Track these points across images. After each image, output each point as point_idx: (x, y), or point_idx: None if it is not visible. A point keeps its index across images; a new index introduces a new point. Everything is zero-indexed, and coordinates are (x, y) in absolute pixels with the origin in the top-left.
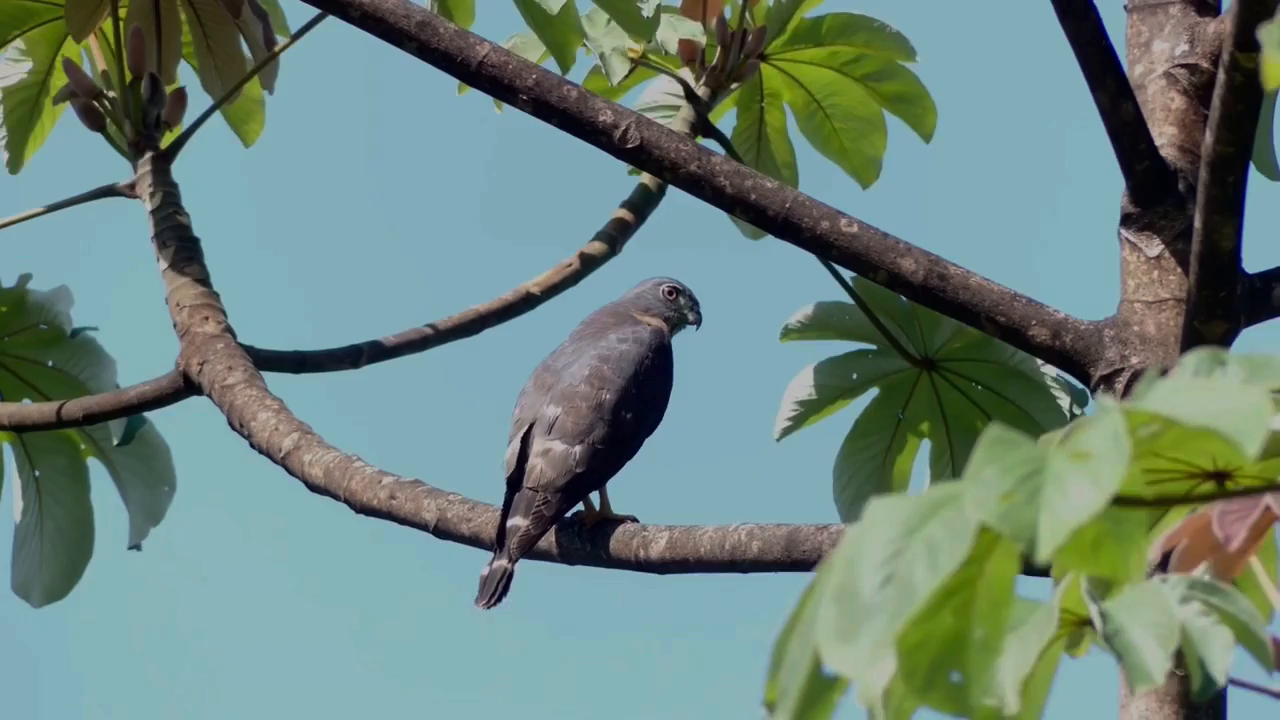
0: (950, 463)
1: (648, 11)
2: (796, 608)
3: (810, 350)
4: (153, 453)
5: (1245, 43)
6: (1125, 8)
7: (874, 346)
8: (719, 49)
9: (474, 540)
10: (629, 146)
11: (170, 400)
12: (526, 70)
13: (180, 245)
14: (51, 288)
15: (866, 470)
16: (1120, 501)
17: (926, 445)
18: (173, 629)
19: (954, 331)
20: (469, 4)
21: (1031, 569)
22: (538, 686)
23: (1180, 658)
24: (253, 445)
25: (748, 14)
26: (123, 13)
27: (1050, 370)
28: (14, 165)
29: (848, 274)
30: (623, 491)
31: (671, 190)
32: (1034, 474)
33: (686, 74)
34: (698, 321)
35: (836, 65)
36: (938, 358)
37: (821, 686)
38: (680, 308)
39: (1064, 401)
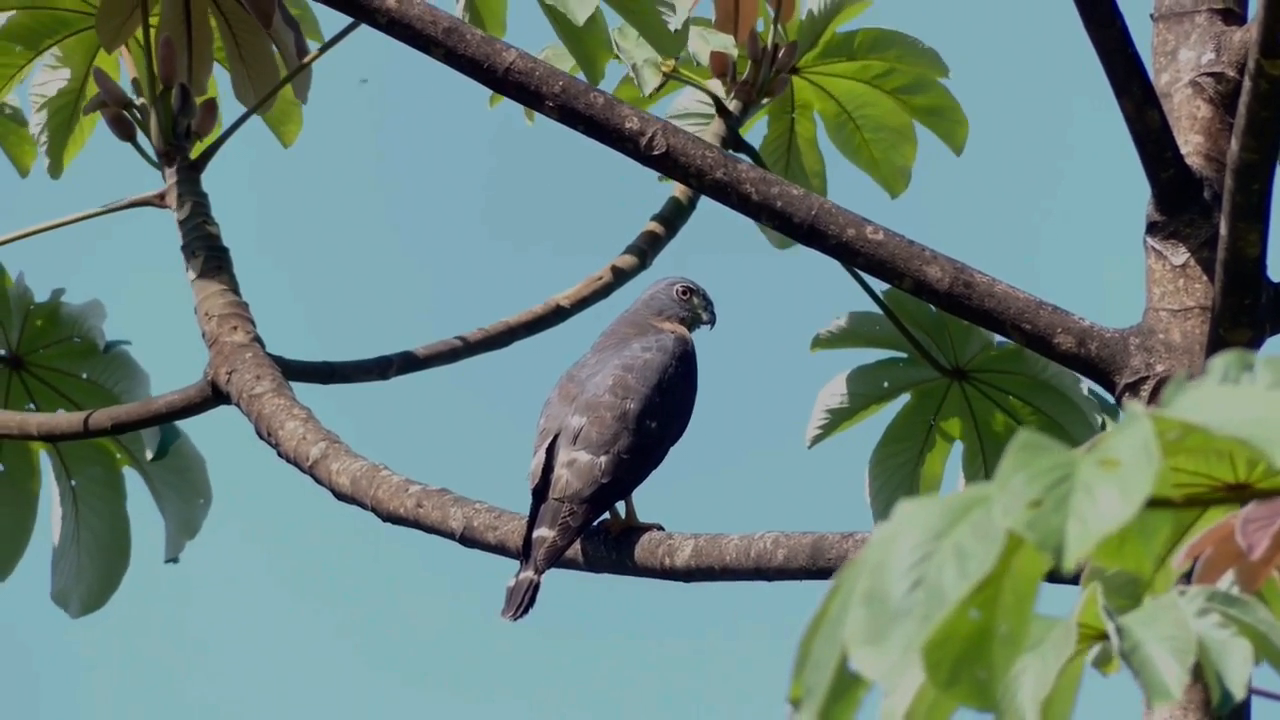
0: (983, 466)
1: (675, 24)
2: (822, 606)
3: (841, 359)
4: (188, 465)
5: (1271, 50)
6: (1151, 16)
7: (905, 355)
8: (750, 63)
9: (500, 548)
10: (655, 153)
11: (199, 409)
12: (553, 77)
13: (209, 255)
14: (85, 301)
15: (899, 475)
16: (1148, 503)
17: (958, 450)
18: (200, 636)
19: (984, 344)
20: (500, 16)
21: (1056, 576)
22: (562, 693)
23: (1200, 669)
24: (280, 454)
25: (779, 28)
26: (154, 22)
27: (1083, 385)
28: (55, 170)
29: (878, 285)
30: (649, 499)
31: (702, 201)
32: (1062, 481)
33: (718, 87)
34: (711, 321)
35: (868, 78)
36: (968, 369)
37: (847, 683)
38: (694, 307)
39: (1096, 416)
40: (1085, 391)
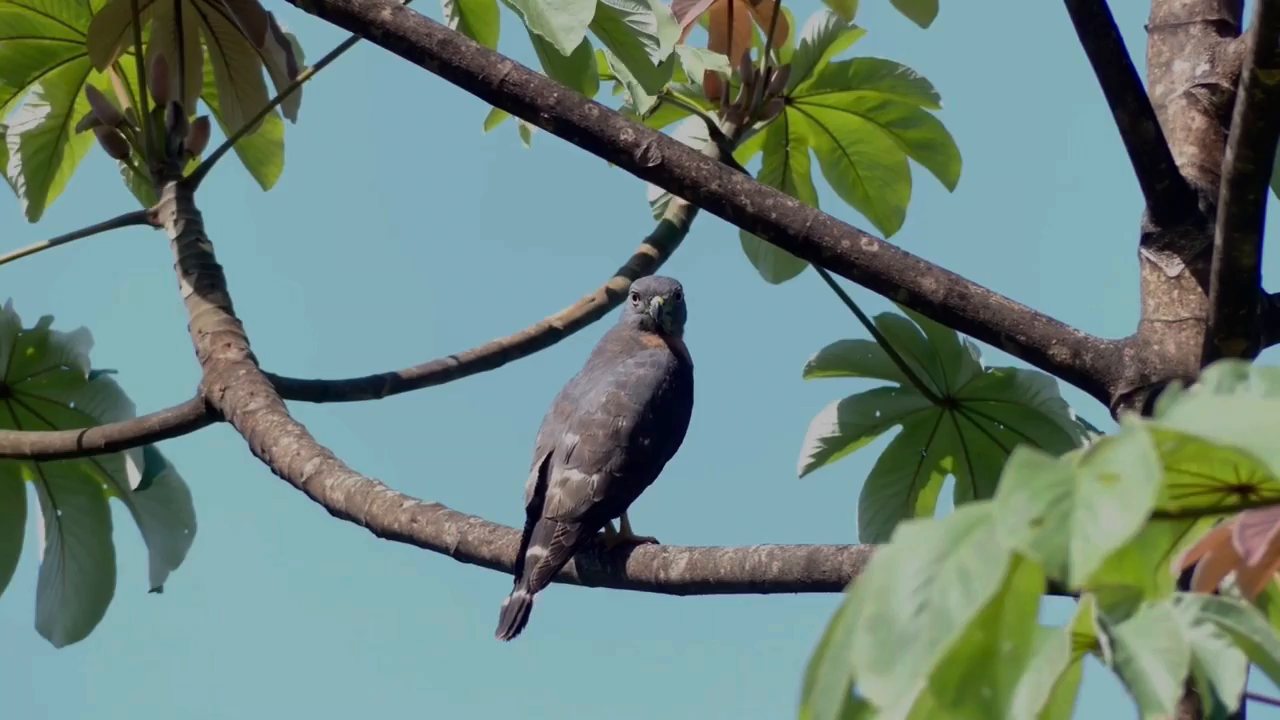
0: (974, 500)
1: (658, 58)
2: (826, 631)
3: (833, 387)
4: (172, 495)
5: (1267, 59)
6: (1146, 28)
7: (897, 384)
8: (743, 87)
9: (495, 563)
10: (650, 165)
11: (192, 427)
12: (548, 89)
13: (203, 273)
14: (72, 329)
15: (891, 507)
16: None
17: (950, 482)
18: (194, 656)
19: (975, 372)
20: (491, 43)
21: (1056, 589)
22: (558, 705)
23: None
24: (274, 470)
25: (772, 53)
26: (144, 41)
27: (1071, 411)
28: (34, 213)
29: (870, 311)
30: (643, 513)
31: (696, 226)
32: (1063, 498)
33: (712, 115)
34: (651, 326)
35: (862, 111)
36: (960, 397)
37: (856, 709)
38: (640, 311)
39: (1084, 442)
40: (1073, 418)
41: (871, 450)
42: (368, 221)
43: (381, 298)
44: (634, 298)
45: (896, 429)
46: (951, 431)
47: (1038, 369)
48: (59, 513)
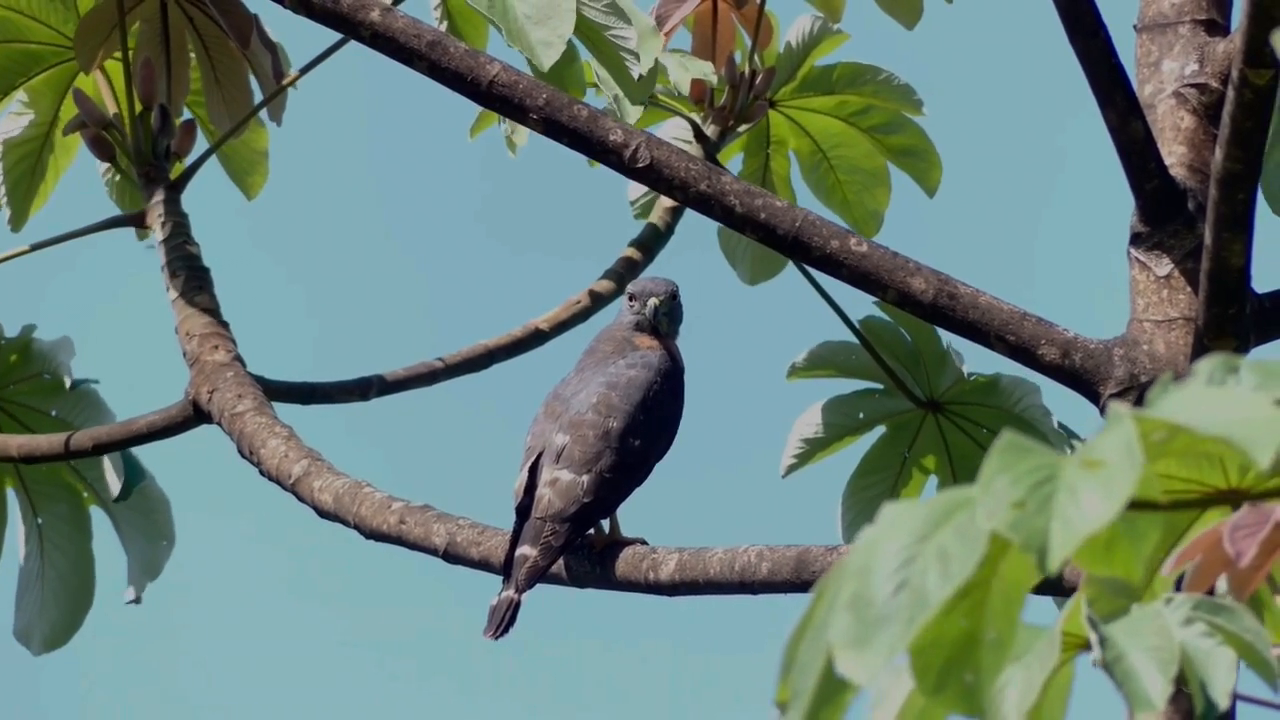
0: None
1: (638, 71)
2: (808, 610)
3: (817, 388)
4: (153, 506)
5: (1256, 59)
6: (1135, 27)
7: (880, 386)
8: (727, 89)
9: (484, 564)
10: (639, 166)
11: (180, 429)
12: (537, 90)
13: (190, 275)
14: (55, 338)
15: (873, 507)
16: (1134, 505)
17: (932, 483)
18: (184, 658)
19: (958, 376)
20: (482, 43)
21: (1045, 586)
22: (546, 705)
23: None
24: (262, 472)
25: (756, 56)
26: (130, 45)
27: (1053, 418)
28: (17, 221)
29: (854, 314)
30: (632, 514)
31: (681, 228)
32: (1046, 482)
33: (696, 117)
34: (647, 327)
35: (844, 115)
36: (943, 400)
37: (834, 687)
38: (636, 312)
39: (1066, 449)
40: (1056, 425)
41: (854, 451)
42: (357, 223)
43: (371, 300)
44: (629, 298)
45: (880, 430)
46: (934, 434)
47: (1022, 375)
48: (39, 520)
